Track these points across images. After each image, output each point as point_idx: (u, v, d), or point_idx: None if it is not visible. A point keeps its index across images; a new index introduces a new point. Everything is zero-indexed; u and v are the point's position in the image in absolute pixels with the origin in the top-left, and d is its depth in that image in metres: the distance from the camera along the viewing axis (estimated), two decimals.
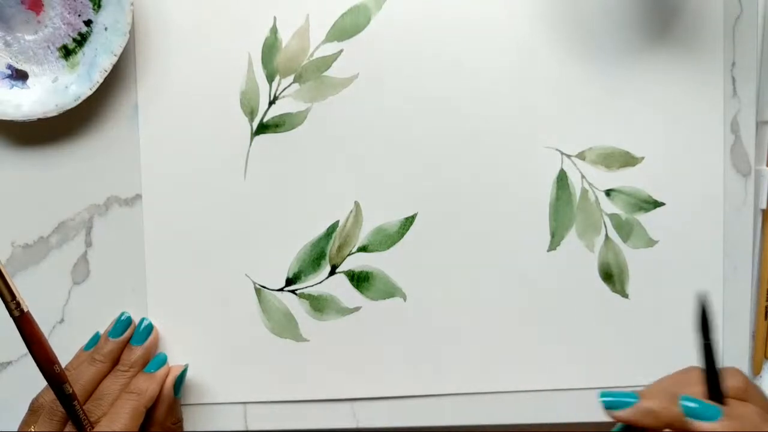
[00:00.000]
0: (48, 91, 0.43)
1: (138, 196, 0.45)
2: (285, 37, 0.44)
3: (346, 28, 0.44)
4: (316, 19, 0.44)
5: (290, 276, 0.45)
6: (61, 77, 0.43)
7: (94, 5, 0.43)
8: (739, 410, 0.34)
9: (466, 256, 0.45)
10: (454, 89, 0.45)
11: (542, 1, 0.45)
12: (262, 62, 0.44)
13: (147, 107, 0.44)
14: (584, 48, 0.45)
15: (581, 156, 0.45)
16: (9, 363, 0.45)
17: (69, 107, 0.42)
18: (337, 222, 0.45)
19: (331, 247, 0.45)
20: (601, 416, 0.35)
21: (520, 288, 0.46)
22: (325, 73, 0.44)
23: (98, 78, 0.42)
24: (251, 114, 0.45)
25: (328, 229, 0.45)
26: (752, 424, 0.33)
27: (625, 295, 0.46)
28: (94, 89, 0.42)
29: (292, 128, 0.45)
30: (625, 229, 0.46)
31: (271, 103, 0.45)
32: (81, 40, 0.43)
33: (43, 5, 0.43)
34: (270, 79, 0.44)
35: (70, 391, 0.40)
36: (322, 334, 0.45)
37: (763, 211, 0.47)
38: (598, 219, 0.46)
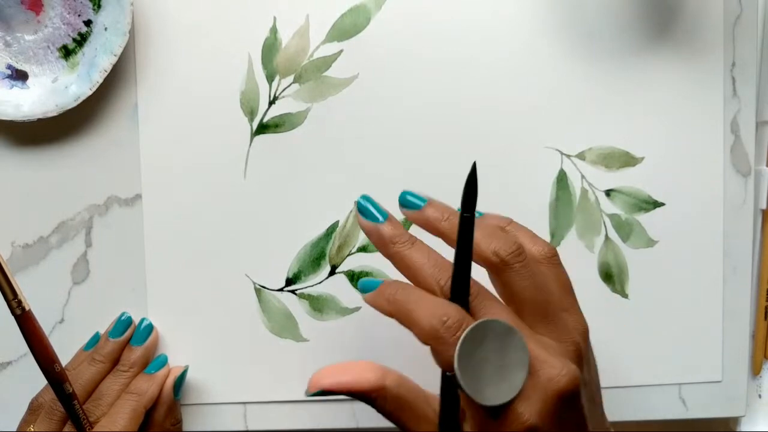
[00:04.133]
0: (48, 91, 0.43)
1: (138, 196, 0.45)
2: (285, 37, 0.44)
3: (346, 28, 0.44)
4: (316, 19, 0.44)
5: (290, 276, 0.45)
6: (61, 77, 0.43)
7: (94, 5, 0.43)
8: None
9: None
10: (453, 89, 0.45)
11: (543, 1, 0.45)
12: (262, 62, 0.44)
13: (147, 107, 0.44)
14: (584, 48, 0.45)
15: (581, 156, 0.45)
16: (9, 363, 0.45)
17: (69, 107, 0.42)
18: (337, 222, 0.45)
19: (331, 247, 0.45)
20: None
21: None
22: (325, 74, 0.44)
23: (98, 78, 0.42)
24: (251, 114, 0.45)
25: (328, 229, 0.45)
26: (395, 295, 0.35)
27: (625, 295, 0.46)
28: (94, 89, 0.42)
29: (292, 128, 0.45)
30: (625, 229, 0.46)
31: (271, 103, 0.45)
32: (81, 40, 0.43)
33: (43, 5, 0.43)
34: (270, 79, 0.44)
35: (71, 391, 0.40)
36: (322, 334, 0.45)
37: (763, 211, 0.47)
38: (598, 219, 0.46)
